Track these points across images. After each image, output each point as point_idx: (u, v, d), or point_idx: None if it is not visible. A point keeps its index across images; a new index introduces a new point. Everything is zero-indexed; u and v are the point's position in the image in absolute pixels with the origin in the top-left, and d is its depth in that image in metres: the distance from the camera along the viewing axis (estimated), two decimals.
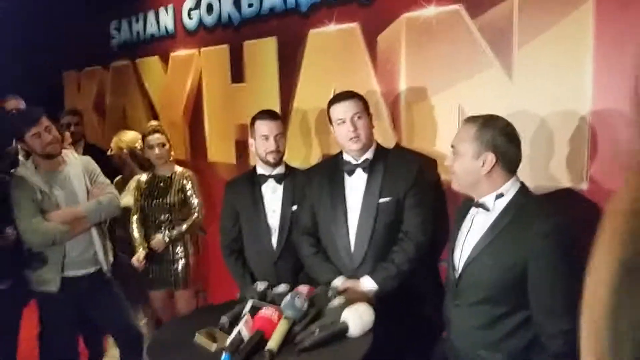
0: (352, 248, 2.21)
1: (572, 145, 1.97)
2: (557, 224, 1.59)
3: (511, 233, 1.65)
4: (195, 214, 3.31)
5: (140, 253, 3.23)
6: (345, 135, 2.19)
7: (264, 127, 2.50)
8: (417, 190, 2.17)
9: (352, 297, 2.01)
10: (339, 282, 2.19)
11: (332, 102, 2.25)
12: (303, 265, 2.52)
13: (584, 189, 1.95)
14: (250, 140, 2.59)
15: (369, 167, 2.23)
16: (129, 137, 3.62)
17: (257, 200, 2.56)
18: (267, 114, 2.55)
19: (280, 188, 2.57)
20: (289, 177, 2.59)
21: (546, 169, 2.05)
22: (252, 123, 2.56)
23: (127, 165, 3.61)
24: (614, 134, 1.86)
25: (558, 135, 2.00)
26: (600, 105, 1.89)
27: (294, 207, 2.53)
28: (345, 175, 2.27)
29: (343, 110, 2.19)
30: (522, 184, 1.73)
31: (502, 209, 1.69)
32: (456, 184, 1.78)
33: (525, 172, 2.06)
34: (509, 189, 1.70)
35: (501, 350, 1.69)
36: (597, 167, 1.91)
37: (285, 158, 2.59)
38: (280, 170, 2.58)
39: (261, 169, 2.58)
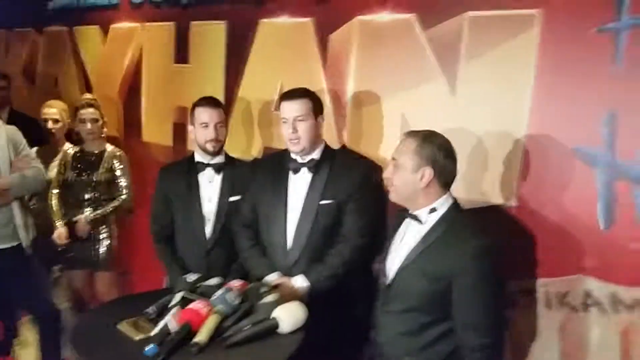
0: (289, 246, 2.21)
1: (505, 164, 2.06)
2: (483, 245, 1.66)
3: (440, 247, 1.72)
4: (124, 196, 3.21)
5: (62, 229, 3.10)
6: (286, 136, 2.18)
7: (204, 115, 2.44)
8: (359, 195, 2.18)
9: (284, 294, 2.02)
10: (272, 278, 2.18)
11: (281, 98, 2.22)
12: (236, 257, 2.50)
13: (512, 205, 2.05)
14: (190, 127, 2.53)
15: (315, 167, 2.22)
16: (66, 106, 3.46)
17: (193, 188, 2.51)
18: (208, 101, 2.48)
19: (218, 178, 2.52)
20: (229, 167, 2.55)
21: (479, 184, 2.13)
22: (192, 109, 2.50)
23: (59, 137, 3.43)
24: (545, 156, 1.96)
25: (493, 153, 2.09)
26: (535, 128, 1.98)
27: (232, 198, 2.50)
28: (290, 173, 2.26)
29: (287, 110, 2.16)
30: (455, 200, 1.80)
31: (434, 222, 1.76)
32: (394, 195, 1.82)
33: (459, 185, 2.14)
34: (443, 204, 1.76)
35: (424, 357, 1.75)
36: (526, 187, 2.01)
37: (225, 147, 2.55)
38: (219, 159, 2.53)
39: (199, 157, 2.53)
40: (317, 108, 2.21)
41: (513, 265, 2.00)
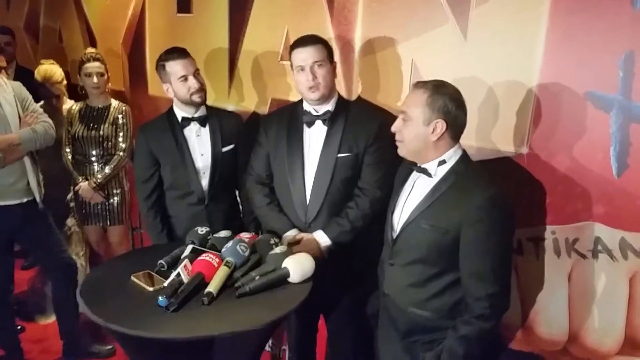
0: (308, 201, 2.19)
1: (517, 110, 2.01)
2: (492, 195, 1.64)
3: (449, 199, 1.70)
4: (118, 155, 3.19)
5: (84, 184, 3.15)
6: (303, 84, 2.11)
7: (178, 67, 2.36)
8: (376, 147, 2.14)
9: (305, 250, 2.03)
10: (292, 234, 2.18)
11: (293, 46, 2.15)
12: (234, 209, 2.52)
13: (524, 153, 2.01)
14: (164, 86, 2.43)
15: (330, 119, 2.17)
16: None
17: (181, 145, 2.44)
18: (178, 53, 2.39)
19: (205, 130, 2.47)
20: (213, 117, 2.49)
21: (490, 131, 2.09)
22: (161, 67, 2.40)
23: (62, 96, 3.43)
24: (558, 102, 1.91)
25: (505, 99, 2.04)
26: (548, 73, 1.92)
27: (225, 148, 2.47)
28: (305, 127, 2.21)
29: (303, 57, 2.09)
30: (464, 151, 1.77)
31: (443, 175, 1.73)
32: (403, 150, 1.78)
33: (470, 134, 2.11)
34: (452, 156, 1.73)
35: (429, 308, 1.77)
36: (538, 134, 1.98)
37: (231, 99, 2.49)
38: (202, 111, 2.47)
39: (181, 112, 2.46)
40: (330, 55, 2.15)
41: (522, 213, 1.99)
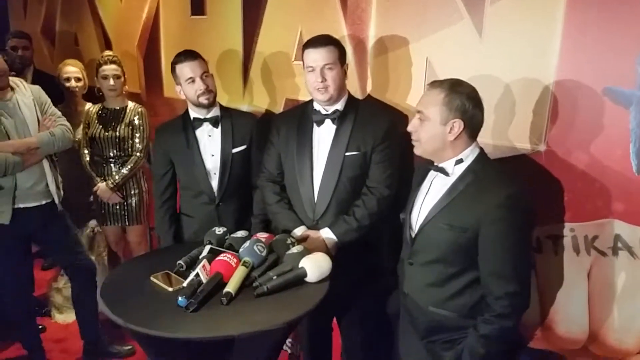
0: (315, 199, 2.20)
1: (534, 107, 2.00)
2: (511, 194, 1.63)
3: (467, 198, 1.69)
4: (135, 156, 3.22)
5: (102, 184, 3.18)
6: (313, 85, 2.13)
7: (186, 70, 2.40)
8: (385, 146, 2.15)
9: (311, 247, 2.04)
10: (299, 231, 2.20)
11: (305, 46, 2.16)
12: (247, 209, 2.53)
13: (541, 150, 2.00)
14: (177, 88, 2.49)
15: (339, 118, 2.18)
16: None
17: (192, 145, 2.48)
18: (186, 55, 2.43)
19: (217, 131, 2.50)
20: (226, 118, 2.52)
21: (507, 129, 2.08)
22: (173, 69, 2.46)
23: (80, 95, 3.49)
24: (574, 100, 1.89)
25: (521, 96, 2.02)
26: (564, 69, 1.91)
27: (235, 149, 2.49)
28: (314, 125, 2.22)
29: (314, 58, 2.11)
30: (481, 150, 1.76)
31: (461, 173, 1.72)
32: (419, 150, 1.77)
33: (487, 132, 2.10)
34: (469, 155, 1.73)
35: (449, 307, 1.77)
36: (556, 131, 1.96)
37: (245, 100, 2.51)
38: (215, 112, 2.51)
39: (194, 113, 2.50)
40: (342, 56, 2.16)
41: (540, 210, 1.97)
